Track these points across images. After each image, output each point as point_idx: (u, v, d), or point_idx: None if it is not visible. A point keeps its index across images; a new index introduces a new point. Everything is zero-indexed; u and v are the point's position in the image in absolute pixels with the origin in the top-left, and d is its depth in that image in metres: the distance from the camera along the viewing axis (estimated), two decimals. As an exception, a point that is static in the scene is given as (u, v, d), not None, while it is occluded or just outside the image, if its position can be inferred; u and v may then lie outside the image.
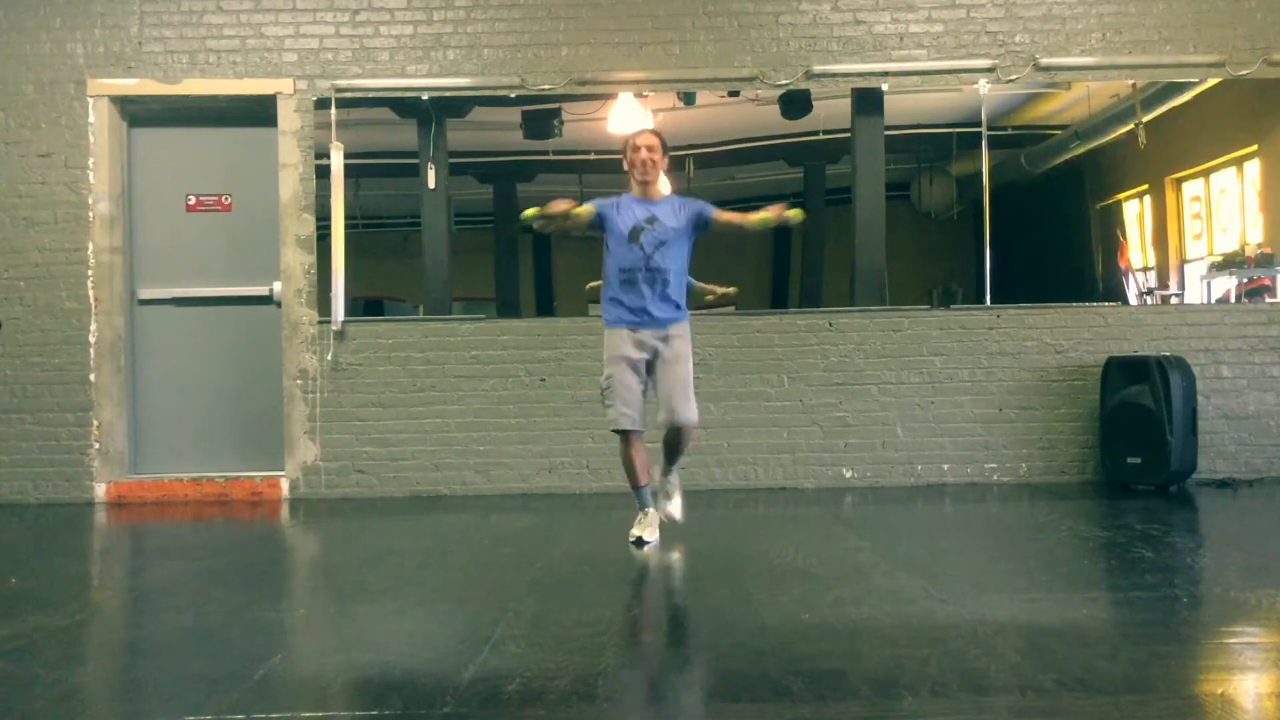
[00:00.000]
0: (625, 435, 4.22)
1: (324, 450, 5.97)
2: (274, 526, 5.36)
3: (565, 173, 6.30)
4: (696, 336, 5.76)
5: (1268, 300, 6.12)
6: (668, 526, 4.46)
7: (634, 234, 4.20)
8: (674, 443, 4.32)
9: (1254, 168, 6.12)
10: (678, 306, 4.29)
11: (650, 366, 4.28)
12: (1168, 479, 5.52)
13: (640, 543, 4.20)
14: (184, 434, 6.19)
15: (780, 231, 6.41)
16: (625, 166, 4.35)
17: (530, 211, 4.17)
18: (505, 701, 2.25)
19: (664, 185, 4.47)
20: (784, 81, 6.06)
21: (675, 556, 4.14)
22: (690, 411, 4.23)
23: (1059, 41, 6.10)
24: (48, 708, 2.30)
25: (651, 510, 4.32)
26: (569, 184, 6.36)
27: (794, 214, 4.13)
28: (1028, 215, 6.25)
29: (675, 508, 4.40)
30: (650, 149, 4.26)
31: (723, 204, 4.67)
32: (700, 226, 4.30)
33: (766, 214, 4.15)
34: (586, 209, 4.21)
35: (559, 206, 4.14)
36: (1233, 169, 6.18)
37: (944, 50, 6.09)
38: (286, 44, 6.07)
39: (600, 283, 4.37)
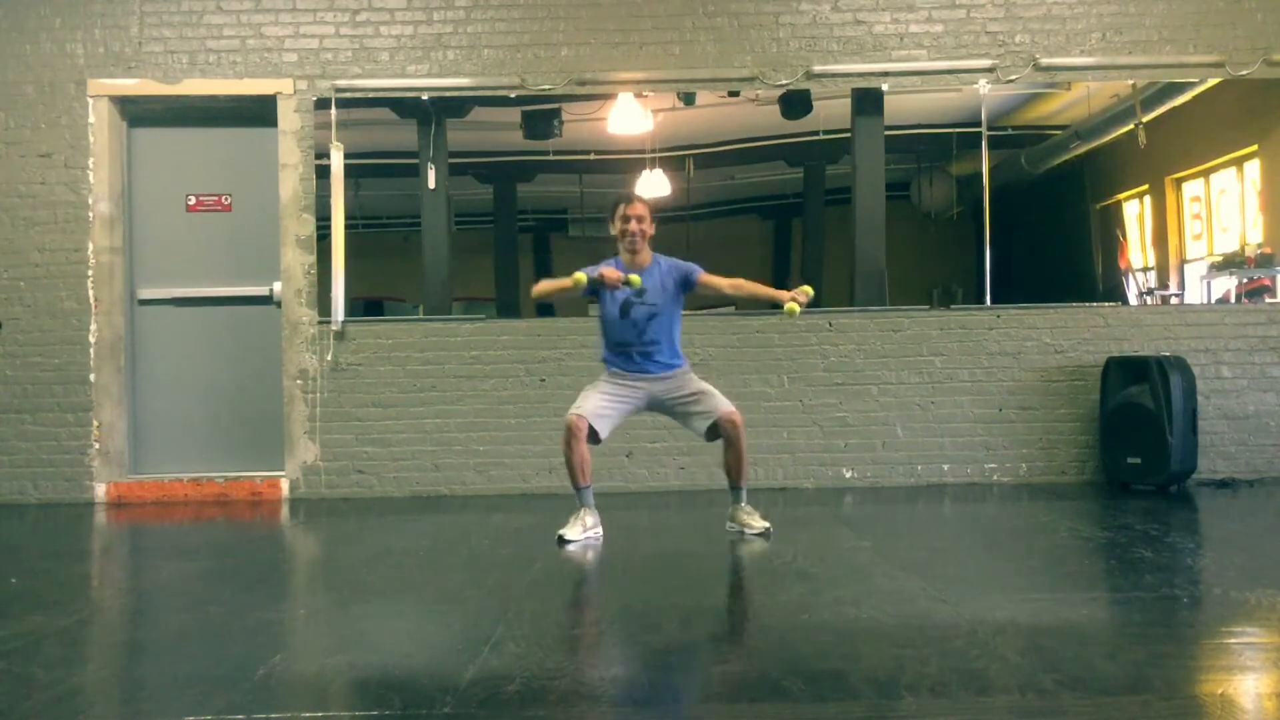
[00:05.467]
0: (572, 430, 4.23)
1: (324, 450, 5.97)
2: (274, 527, 5.36)
3: (565, 173, 6.31)
4: (697, 335, 5.79)
5: (1268, 300, 6.11)
6: (668, 527, 4.46)
7: (625, 309, 4.34)
8: (733, 457, 4.35)
9: (1254, 168, 6.12)
10: (673, 360, 4.42)
11: (652, 406, 4.43)
12: (1168, 479, 5.52)
13: (562, 541, 4.24)
14: (184, 434, 6.19)
15: (780, 232, 6.48)
16: (614, 232, 4.44)
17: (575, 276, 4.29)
18: (505, 701, 2.25)
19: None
20: (784, 81, 6.05)
21: (675, 557, 4.14)
22: (728, 403, 4.34)
23: (1059, 41, 6.09)
24: (48, 708, 2.29)
25: (586, 512, 4.33)
26: (569, 184, 6.37)
27: (802, 295, 4.15)
28: (1028, 215, 6.25)
29: (759, 521, 4.40)
30: (640, 220, 4.36)
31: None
32: (686, 287, 4.42)
33: (774, 293, 4.26)
34: (577, 279, 4.27)
35: (549, 285, 4.39)
36: (1233, 169, 6.18)
37: (944, 50, 6.09)
38: (286, 44, 6.07)
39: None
